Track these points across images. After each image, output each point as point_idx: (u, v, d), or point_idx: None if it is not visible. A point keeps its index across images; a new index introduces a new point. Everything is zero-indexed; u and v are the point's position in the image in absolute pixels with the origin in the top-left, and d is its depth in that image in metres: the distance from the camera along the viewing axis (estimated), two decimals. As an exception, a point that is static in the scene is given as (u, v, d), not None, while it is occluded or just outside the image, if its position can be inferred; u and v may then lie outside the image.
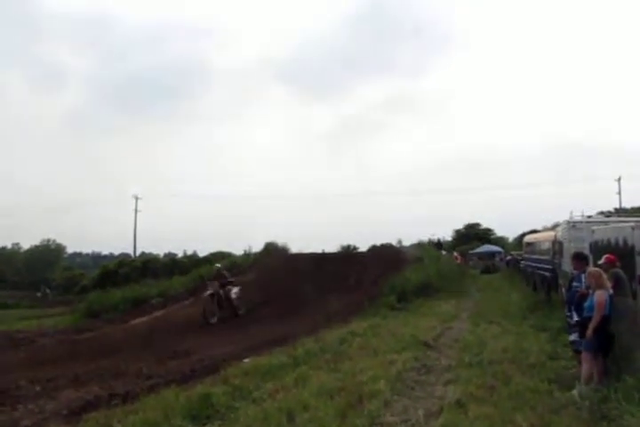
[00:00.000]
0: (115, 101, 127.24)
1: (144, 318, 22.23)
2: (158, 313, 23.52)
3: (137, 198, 61.13)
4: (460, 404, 6.64)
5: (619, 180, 52.75)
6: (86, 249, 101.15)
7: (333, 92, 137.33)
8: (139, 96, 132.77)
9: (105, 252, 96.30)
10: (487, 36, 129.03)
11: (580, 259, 8.97)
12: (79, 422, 7.17)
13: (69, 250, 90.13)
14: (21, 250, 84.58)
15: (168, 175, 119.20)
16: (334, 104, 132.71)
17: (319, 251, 40.36)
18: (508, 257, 43.49)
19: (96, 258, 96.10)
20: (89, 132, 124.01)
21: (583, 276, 8.14)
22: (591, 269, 8.18)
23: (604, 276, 7.62)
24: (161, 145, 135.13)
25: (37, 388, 9.87)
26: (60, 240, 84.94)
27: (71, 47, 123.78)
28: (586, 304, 7.56)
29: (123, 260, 59.26)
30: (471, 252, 52.88)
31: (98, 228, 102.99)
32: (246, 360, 11.05)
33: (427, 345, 11.18)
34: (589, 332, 7.25)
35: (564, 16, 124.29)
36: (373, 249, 52.45)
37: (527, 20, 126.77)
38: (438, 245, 49.02)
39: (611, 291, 7.56)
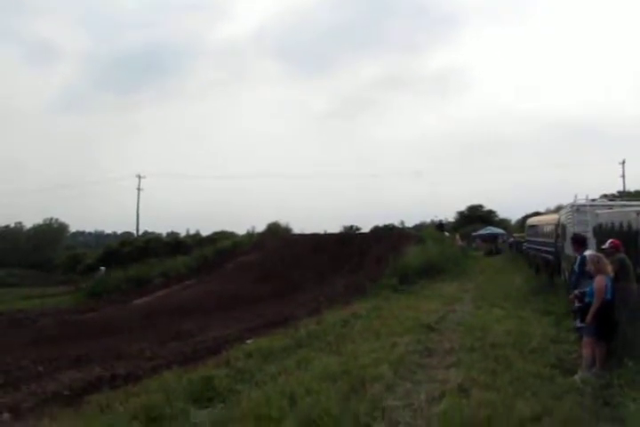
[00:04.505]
0: (110, 80, 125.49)
1: (146, 298, 22.38)
2: (160, 293, 23.68)
3: (140, 177, 61.02)
4: (461, 389, 6.60)
5: (623, 163, 52.48)
6: (89, 228, 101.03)
7: (331, 69, 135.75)
8: (134, 74, 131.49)
9: (108, 231, 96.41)
10: (490, 13, 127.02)
11: (576, 242, 8.78)
12: (81, 404, 7.18)
13: (72, 229, 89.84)
14: (24, 229, 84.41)
15: (171, 154, 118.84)
16: (333, 81, 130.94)
17: (321, 231, 40.56)
18: (511, 239, 43.49)
19: (99, 237, 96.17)
20: (89, 112, 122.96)
21: (578, 258, 8.11)
22: (590, 253, 8.09)
23: (604, 260, 7.50)
24: (162, 124, 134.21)
25: (40, 368, 9.93)
26: (62, 219, 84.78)
27: (57, 23, 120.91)
28: (587, 289, 7.49)
29: (125, 239, 59.42)
30: (474, 234, 52.85)
31: (100, 206, 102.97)
32: (248, 342, 11.09)
33: (429, 328, 11.15)
34: (589, 317, 7.18)
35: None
36: (375, 230, 52.70)
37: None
38: (440, 226, 48.97)
39: (611, 275, 7.45)
